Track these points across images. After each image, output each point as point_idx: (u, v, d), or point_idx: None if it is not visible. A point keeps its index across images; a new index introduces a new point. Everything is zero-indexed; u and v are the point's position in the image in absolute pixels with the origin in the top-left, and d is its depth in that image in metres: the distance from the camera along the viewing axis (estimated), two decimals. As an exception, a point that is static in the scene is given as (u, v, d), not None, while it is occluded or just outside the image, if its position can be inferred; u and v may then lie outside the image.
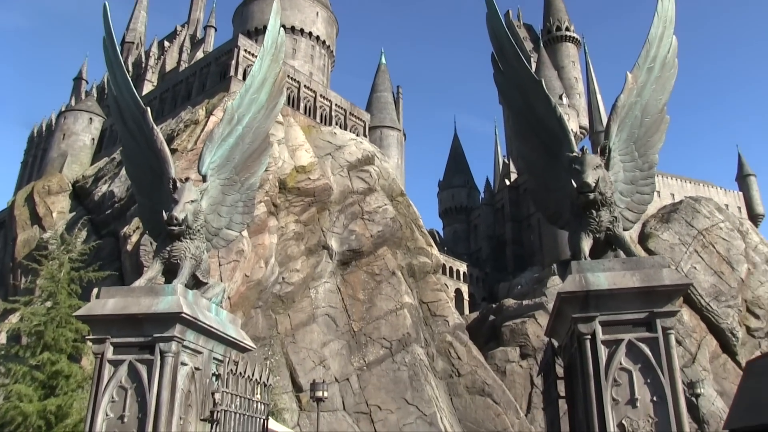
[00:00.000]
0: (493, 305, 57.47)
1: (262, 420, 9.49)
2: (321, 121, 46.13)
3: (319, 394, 21.58)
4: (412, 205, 40.85)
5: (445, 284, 45.94)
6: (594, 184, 7.20)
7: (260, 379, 9.38)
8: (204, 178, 8.85)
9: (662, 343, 6.51)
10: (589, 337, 6.57)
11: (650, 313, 6.58)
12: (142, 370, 7.20)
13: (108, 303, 7.40)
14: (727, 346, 53.58)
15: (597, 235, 7.37)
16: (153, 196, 8.84)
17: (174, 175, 8.45)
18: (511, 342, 49.65)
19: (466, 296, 64.28)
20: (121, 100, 8.76)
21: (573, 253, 7.58)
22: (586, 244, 7.33)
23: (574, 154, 7.81)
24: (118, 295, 7.51)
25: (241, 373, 8.69)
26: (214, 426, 8.06)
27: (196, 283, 8.57)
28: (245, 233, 26.37)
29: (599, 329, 6.57)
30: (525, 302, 54.12)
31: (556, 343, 7.92)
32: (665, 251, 56.33)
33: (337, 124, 47.21)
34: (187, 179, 8.56)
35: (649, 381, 6.42)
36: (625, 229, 7.61)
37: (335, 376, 28.25)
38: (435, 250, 38.01)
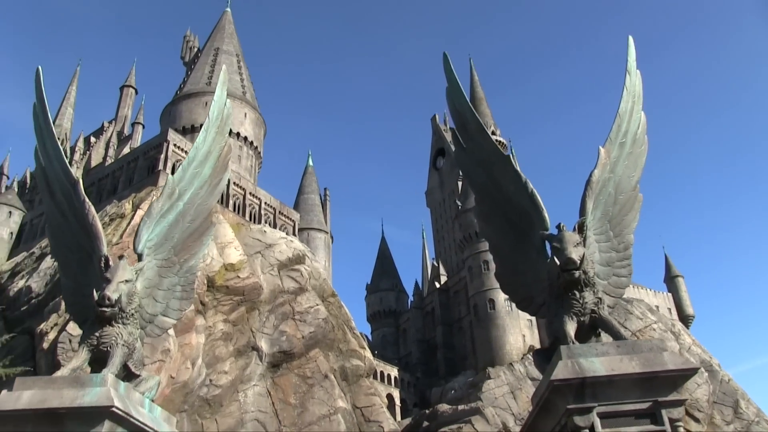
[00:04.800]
0: (427, 411, 56.09)
1: None
2: (250, 219, 45.29)
3: (249, 508, 20.06)
4: (344, 306, 39.90)
5: (377, 389, 44.48)
6: (579, 261, 6.64)
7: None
8: (140, 257, 7.96)
9: (669, 438, 5.81)
10: (587, 431, 5.80)
11: (654, 403, 5.93)
12: (52, 476, 6.06)
13: (23, 396, 6.27)
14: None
15: (581, 318, 6.78)
16: (80, 276, 7.91)
17: (106, 252, 7.55)
18: (448, 449, 48.17)
19: (397, 402, 62.78)
20: (49, 171, 7.93)
21: (555, 338, 6.93)
22: (571, 327, 6.71)
23: (548, 232, 7.32)
24: (36, 387, 6.40)
25: (176, 482, 7.56)
26: None
27: (127, 375, 7.55)
28: (171, 332, 24.86)
29: (598, 422, 5.86)
30: (460, 407, 52.97)
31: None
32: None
33: (266, 223, 46.44)
34: (121, 257, 7.65)
35: (658, 477, 5.69)
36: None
37: (265, 489, 26.46)
38: (368, 353, 36.87)
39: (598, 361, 6.03)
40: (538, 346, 65.49)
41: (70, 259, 8.05)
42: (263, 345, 30.48)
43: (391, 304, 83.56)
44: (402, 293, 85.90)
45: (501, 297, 65.27)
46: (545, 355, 7.13)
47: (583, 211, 7.38)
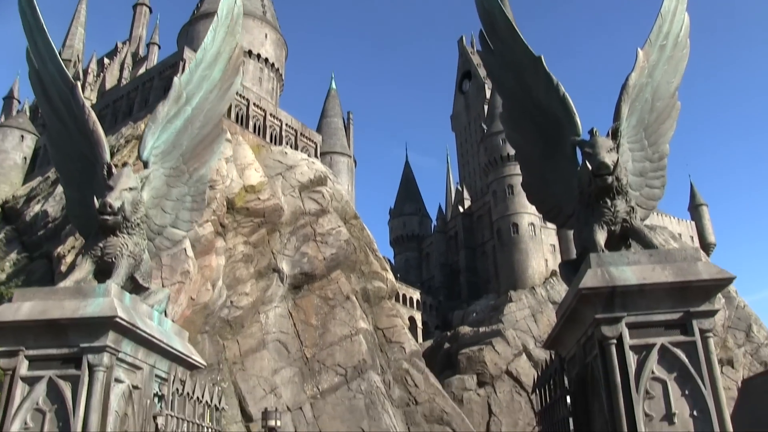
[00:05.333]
0: (448, 333, 56.63)
1: (212, 449, 8.14)
2: (271, 141, 44.78)
3: (272, 423, 20.30)
4: (366, 228, 39.69)
5: (399, 311, 44.73)
6: (612, 166, 6.19)
7: (211, 401, 8.03)
8: (145, 165, 7.58)
9: (701, 348, 5.46)
10: (615, 341, 5.47)
11: (685, 313, 5.55)
12: (66, 388, 5.82)
13: (23, 307, 5.98)
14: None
15: (612, 227, 6.37)
16: (84, 187, 7.53)
17: (109, 159, 7.15)
18: (468, 370, 48.73)
19: (419, 324, 63.33)
20: (44, 74, 7.43)
21: (584, 248, 6.52)
22: (601, 236, 6.31)
23: (580, 138, 6.85)
24: (37, 298, 6.10)
25: (188, 393, 7.34)
26: (157, 457, 6.72)
27: (135, 288, 7.26)
28: (191, 253, 24.84)
29: (626, 332, 5.51)
30: (482, 329, 53.40)
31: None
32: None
33: (288, 145, 45.96)
34: (125, 164, 7.27)
35: (687, 392, 5.36)
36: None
37: (287, 405, 26.72)
38: (390, 275, 36.85)
39: (629, 269, 5.67)
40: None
41: (71, 169, 7.68)
42: (284, 267, 30.47)
43: (414, 229, 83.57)
44: (425, 218, 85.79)
45: (524, 221, 64.93)
46: (573, 266, 6.75)
47: (617, 117, 6.89)
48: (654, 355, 5.42)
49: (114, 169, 6.98)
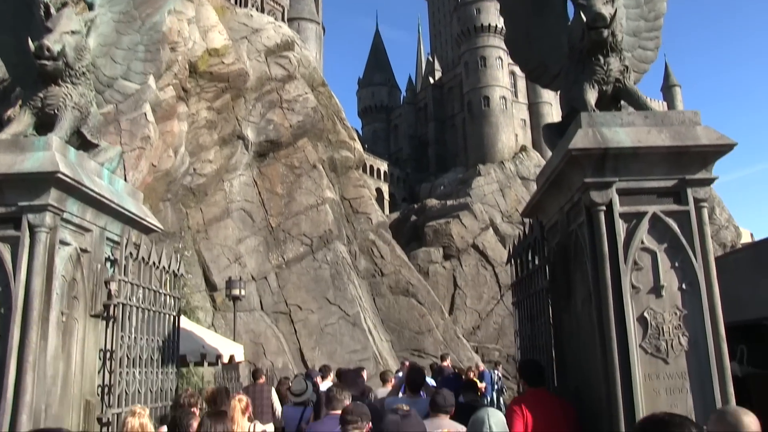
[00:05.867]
0: (415, 205, 56.88)
1: (172, 317, 7.79)
2: (236, 3, 42.89)
3: (236, 292, 20.24)
4: (334, 96, 38.61)
5: (366, 182, 44.45)
6: (609, 18, 5.62)
7: (169, 267, 7.62)
8: (90, 7, 6.82)
9: (694, 218, 5.13)
10: (604, 208, 5.09)
11: (680, 181, 5.18)
12: (4, 250, 5.36)
13: (-48, 162, 5.41)
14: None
15: (604, 87, 5.91)
16: (19, 29, 6.77)
17: (48, -1, 6.39)
18: (434, 243, 49.22)
19: (386, 196, 63.52)
20: None
21: (573, 108, 6.06)
22: (592, 95, 5.84)
23: (572, -11, 6.23)
24: (-33, 152, 5.52)
25: (143, 258, 6.91)
26: (111, 323, 6.34)
27: (82, 144, 6.66)
28: (151, 118, 23.81)
29: (617, 199, 5.13)
30: (449, 203, 53.64)
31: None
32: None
33: (253, 7, 44.09)
34: (64, 4, 6.49)
35: (677, 265, 5.06)
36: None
37: (252, 275, 26.61)
38: (358, 145, 36.12)
39: (623, 131, 5.22)
40: (530, 146, 65.28)
41: (4, 10, 6.89)
42: (249, 134, 29.61)
43: (383, 99, 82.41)
44: (395, 88, 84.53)
45: (496, 94, 64.15)
46: (558, 129, 6.29)
47: (612, -35, 6.23)
48: (645, 224, 5.09)
49: (53, 10, 6.24)
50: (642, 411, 4.56)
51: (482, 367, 21.64)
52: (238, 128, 29.31)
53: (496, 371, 20.94)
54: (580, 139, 5.10)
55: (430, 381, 11.50)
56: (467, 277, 47.85)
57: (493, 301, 47.10)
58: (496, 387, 18.64)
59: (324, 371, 11.77)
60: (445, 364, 15.00)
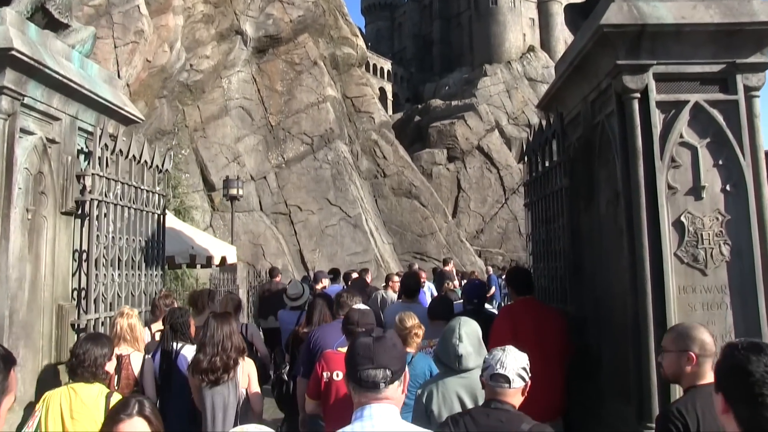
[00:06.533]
0: (419, 106, 55.79)
1: (156, 215, 7.22)
2: None
3: (234, 192, 19.69)
4: (336, -10, 37.09)
5: (369, 81, 43.32)
6: None
7: (152, 161, 6.99)
8: None
9: (743, 110, 4.39)
10: (638, 96, 4.39)
11: (729, 65, 4.43)
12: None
13: None
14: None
15: None
16: None
17: None
18: (438, 144, 48.38)
19: (390, 96, 62.33)
20: None
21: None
22: None
23: None
24: None
25: (121, 150, 6.28)
26: (85, 222, 5.77)
27: (50, 23, 5.89)
28: (145, 11, 22.72)
29: (653, 85, 4.40)
30: (454, 103, 52.47)
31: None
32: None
33: None
34: None
35: (720, 163, 4.36)
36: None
37: (251, 174, 26.06)
38: (360, 41, 34.86)
39: (664, 6, 4.44)
40: (538, 46, 63.52)
41: None
42: (248, 29, 28.43)
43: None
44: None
45: (504, -9, 61.96)
46: (582, 9, 5.51)
47: None
48: (685, 115, 4.38)
49: None
50: (675, 327, 4.01)
51: (491, 271, 21.41)
52: (236, 23, 28.14)
53: (503, 278, 20.67)
54: (614, 14, 4.36)
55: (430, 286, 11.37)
56: (471, 180, 47.23)
57: (498, 204, 46.63)
58: (504, 292, 18.38)
59: (334, 275, 11.88)
60: (447, 268, 14.65)
